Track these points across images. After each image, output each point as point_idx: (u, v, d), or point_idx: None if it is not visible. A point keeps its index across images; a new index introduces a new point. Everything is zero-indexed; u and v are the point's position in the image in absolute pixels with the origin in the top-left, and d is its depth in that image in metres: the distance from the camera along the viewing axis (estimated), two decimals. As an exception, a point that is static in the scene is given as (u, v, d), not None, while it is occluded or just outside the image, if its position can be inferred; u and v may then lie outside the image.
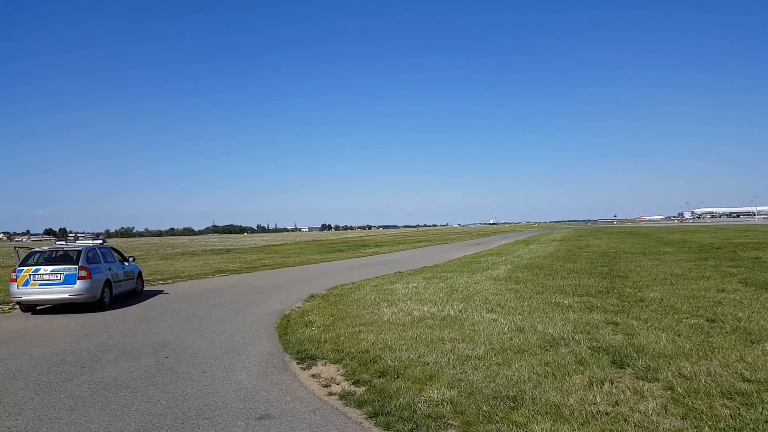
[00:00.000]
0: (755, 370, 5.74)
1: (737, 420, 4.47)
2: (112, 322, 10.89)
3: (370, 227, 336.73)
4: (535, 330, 8.20)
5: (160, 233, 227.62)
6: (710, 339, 7.25)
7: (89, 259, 12.88)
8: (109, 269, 13.60)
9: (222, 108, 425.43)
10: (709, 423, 4.45)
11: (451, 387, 5.63)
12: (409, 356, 6.97)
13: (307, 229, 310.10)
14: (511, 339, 7.70)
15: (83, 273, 12.34)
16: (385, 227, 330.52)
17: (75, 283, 12.20)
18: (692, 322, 8.43)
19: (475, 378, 5.93)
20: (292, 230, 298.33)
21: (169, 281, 19.54)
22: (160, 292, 16.20)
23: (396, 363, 6.66)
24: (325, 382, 6.27)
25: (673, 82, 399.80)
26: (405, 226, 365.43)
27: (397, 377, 6.14)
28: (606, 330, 8.07)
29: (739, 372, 5.72)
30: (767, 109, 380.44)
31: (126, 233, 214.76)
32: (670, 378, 5.62)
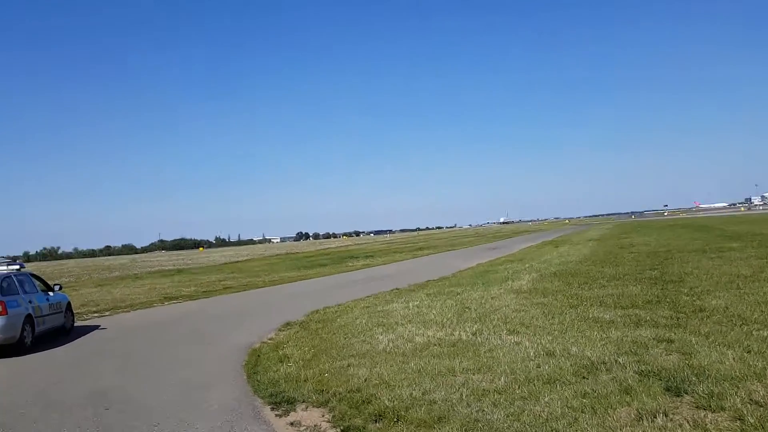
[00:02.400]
0: (844, 391, 5.79)
1: (823, 454, 4.51)
2: (37, 368, 10.85)
3: (358, 234, 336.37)
4: (569, 353, 8.24)
5: (93, 253, 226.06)
6: (788, 354, 7.29)
7: (4, 290, 12.81)
8: (30, 302, 13.53)
9: (167, 99, 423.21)
10: (789, 460, 4.49)
11: (466, 430, 5.64)
12: (412, 393, 6.98)
13: (278, 240, 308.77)
14: (538, 366, 7.73)
15: (-4, 308, 12.30)
16: (377, 233, 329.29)
17: (-14, 322, 12.19)
18: (765, 334, 8.49)
19: (495, 417, 5.95)
20: (261, 242, 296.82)
21: (107, 313, 19.46)
22: (96, 327, 16.14)
23: (395, 403, 6.67)
24: (307, 432, 6.29)
25: (731, 37, 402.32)
26: (402, 231, 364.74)
27: (398, 421, 6.15)
28: (657, 349, 8.11)
29: (824, 394, 5.77)
30: None
31: (50, 255, 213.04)
32: (740, 406, 5.65)
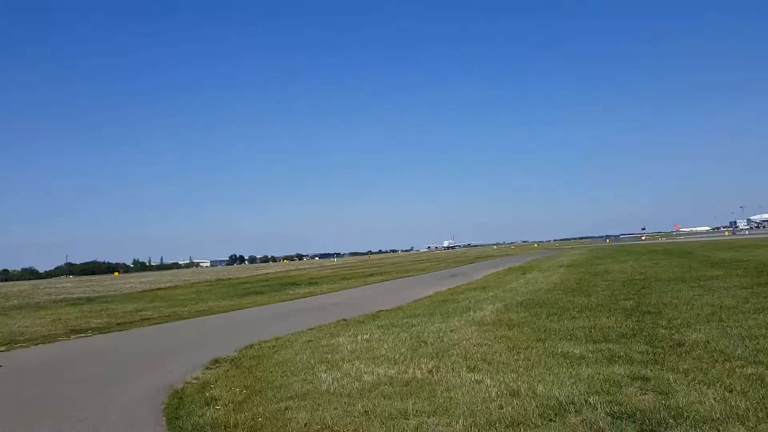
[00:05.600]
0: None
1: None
2: None
3: (301, 257, 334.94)
4: (535, 393, 8.36)
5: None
6: (773, 394, 7.53)
7: None
8: None
9: (74, 103, 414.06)
10: None
11: (418, 481, 5.67)
12: (359, 440, 6.96)
13: (208, 264, 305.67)
14: (501, 407, 7.82)
15: None
16: (322, 256, 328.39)
17: None
18: (749, 371, 8.76)
19: (452, 466, 5.98)
20: (187, 266, 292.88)
21: (2, 349, 18.83)
22: (-12, 365, 15.60)
23: (339, 451, 6.65)
24: (237, 485, 6.22)
25: (716, 49, 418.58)
26: (352, 254, 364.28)
27: (341, 471, 6.13)
28: (632, 388, 8.30)
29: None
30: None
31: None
32: (720, 451, 5.83)
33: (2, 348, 19.07)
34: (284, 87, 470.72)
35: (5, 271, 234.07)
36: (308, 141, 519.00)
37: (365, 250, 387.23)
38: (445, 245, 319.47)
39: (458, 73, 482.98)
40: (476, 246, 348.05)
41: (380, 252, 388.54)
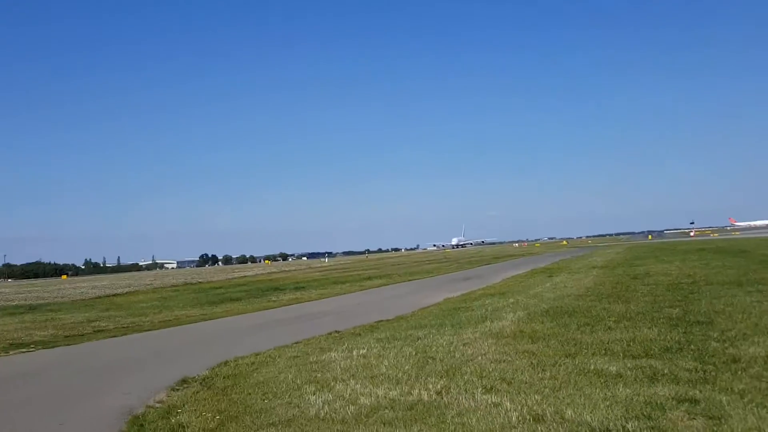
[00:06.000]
0: None
1: None
2: None
3: (285, 257, 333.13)
4: (563, 418, 8.38)
5: None
6: None
7: None
8: None
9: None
10: None
11: None
12: (353, 474, 6.98)
13: (175, 265, 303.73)
14: (523, 436, 7.80)
15: None
16: (311, 256, 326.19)
17: None
18: (817, 393, 8.75)
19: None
20: (149, 267, 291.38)
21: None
22: None
23: (331, 488, 6.67)
24: None
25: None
26: (346, 254, 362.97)
27: None
28: (678, 412, 8.30)
29: None
30: None
31: None
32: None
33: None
34: (269, 57, 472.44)
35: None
36: (294, 121, 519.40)
37: (362, 249, 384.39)
38: (453, 243, 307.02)
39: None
40: (493, 243, 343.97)
41: (380, 251, 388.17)
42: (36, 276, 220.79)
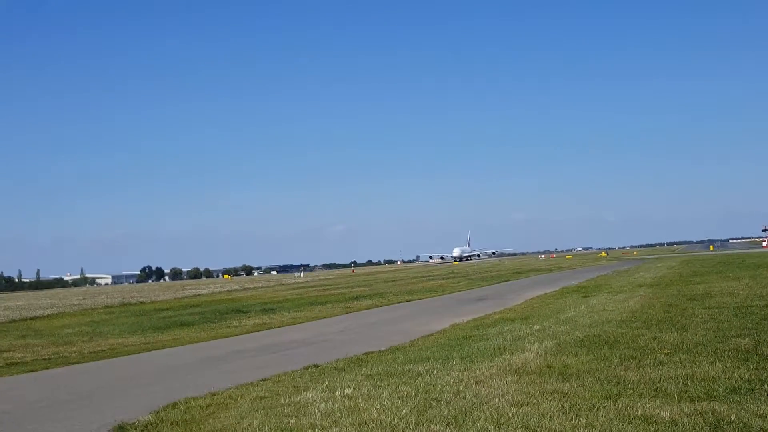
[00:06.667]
0: None
1: None
2: None
3: (249, 271, 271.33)
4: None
5: None
6: None
7: None
8: None
9: None
10: None
11: None
12: None
13: (109, 281, 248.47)
14: None
15: None
16: (282, 269, 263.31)
17: None
18: None
19: None
20: (76, 283, 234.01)
21: None
22: None
23: None
24: None
25: None
26: (326, 266, 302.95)
27: None
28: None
29: None
30: None
31: None
32: None
33: None
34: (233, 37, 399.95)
35: None
36: (261, 101, 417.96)
37: (348, 261, 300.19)
38: (456, 254, 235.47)
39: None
40: (512, 255, 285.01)
41: (370, 263, 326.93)
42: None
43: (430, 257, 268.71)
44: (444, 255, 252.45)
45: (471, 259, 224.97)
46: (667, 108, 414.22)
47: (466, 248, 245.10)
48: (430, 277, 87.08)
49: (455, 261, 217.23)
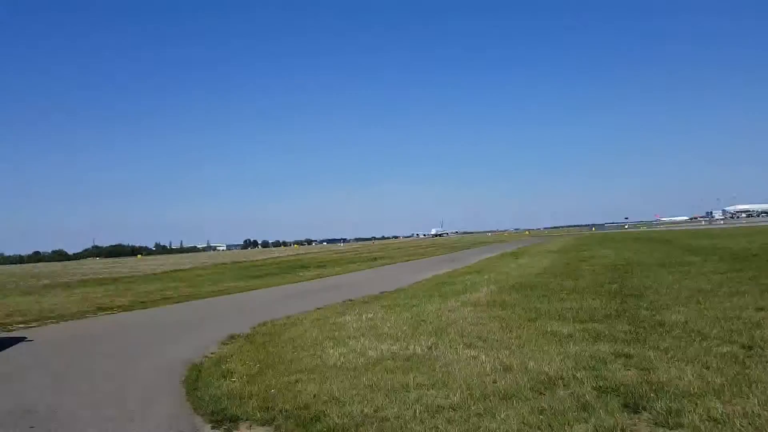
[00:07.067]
0: (801, 408, 6.01)
1: (778, 471, 4.67)
2: (-47, 384, 10.41)
3: (310, 242, 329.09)
4: (526, 368, 8.39)
5: (20, 259, 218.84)
6: (747, 371, 7.58)
7: None
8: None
9: (101, 97, 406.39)
10: (745, 477, 4.64)
11: (418, 448, 5.66)
12: (363, 410, 7.01)
13: (224, 248, 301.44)
14: (495, 381, 7.86)
15: None
16: (329, 241, 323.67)
17: None
18: (724, 350, 8.79)
19: (450, 435, 5.97)
20: (205, 249, 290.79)
21: (34, 324, 18.84)
22: (22, 339, 15.57)
23: (346, 420, 6.69)
24: (251, 451, 6.21)
25: (696, 57, 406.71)
26: (357, 240, 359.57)
27: (348, 439, 6.13)
28: (616, 364, 8.34)
29: (781, 411, 5.97)
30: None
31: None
32: (697, 423, 5.86)
33: (34, 323, 19.09)
34: (298, 84, 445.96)
35: (36, 253, 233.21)
36: (316, 138, 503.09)
37: (369, 236, 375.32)
38: (432, 233, 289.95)
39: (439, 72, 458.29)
40: (471, 233, 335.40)
41: (383, 238, 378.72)
42: (118, 255, 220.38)
43: (418, 234, 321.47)
44: (426, 233, 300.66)
45: (443, 236, 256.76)
46: (558, 141, 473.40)
47: (440, 229, 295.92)
48: (420, 247, 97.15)
49: (434, 237, 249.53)
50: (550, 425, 6.04)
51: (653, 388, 7.04)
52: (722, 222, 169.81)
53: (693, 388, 6.93)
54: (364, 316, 14.79)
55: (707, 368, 7.81)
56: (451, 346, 10.31)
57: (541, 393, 7.22)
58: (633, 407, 6.47)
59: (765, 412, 6.02)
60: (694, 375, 7.48)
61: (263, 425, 7.02)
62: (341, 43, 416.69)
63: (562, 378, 7.76)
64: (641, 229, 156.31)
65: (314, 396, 7.84)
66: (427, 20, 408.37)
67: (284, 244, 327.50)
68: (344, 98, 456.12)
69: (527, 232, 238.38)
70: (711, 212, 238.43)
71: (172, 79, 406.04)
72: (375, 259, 59.37)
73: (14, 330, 17.61)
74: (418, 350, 10.19)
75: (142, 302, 24.98)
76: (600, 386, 7.27)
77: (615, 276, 21.63)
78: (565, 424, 6.05)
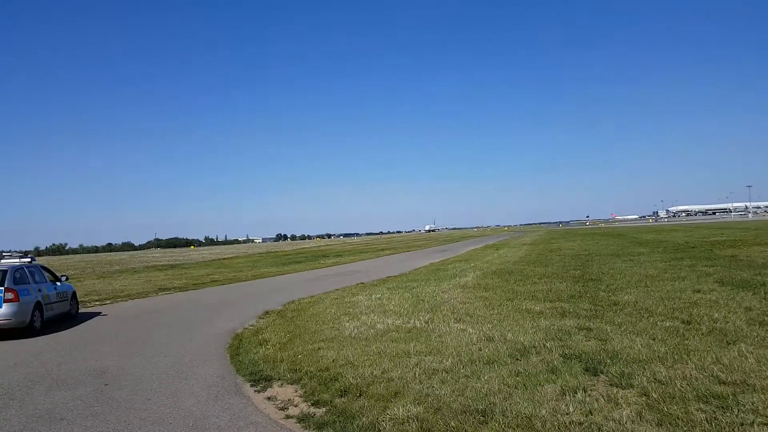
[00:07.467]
0: (731, 372, 6.01)
1: (713, 424, 4.67)
2: (44, 349, 10.54)
3: (329, 236, 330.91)
4: (505, 339, 8.37)
5: (96, 249, 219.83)
6: (686, 341, 7.55)
7: (16, 280, 12.41)
8: (40, 290, 13.14)
9: (159, 112, 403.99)
10: (685, 428, 4.64)
11: (418, 403, 5.69)
12: (373, 372, 7.01)
13: (260, 240, 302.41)
14: (480, 349, 7.83)
15: (10, 295, 11.88)
16: (345, 235, 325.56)
17: (1, 307, 11.75)
18: (667, 324, 8.76)
19: (443, 392, 6.00)
20: (244, 242, 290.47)
21: (107, 302, 19.00)
22: (98, 314, 15.75)
23: (358, 380, 6.69)
24: (282, 405, 6.24)
25: (644, 78, 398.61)
26: (368, 234, 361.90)
27: (360, 395, 6.17)
28: (579, 336, 8.31)
29: (714, 374, 5.98)
30: (738, 107, 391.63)
31: (58, 250, 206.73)
32: (645, 384, 5.82)
33: (108, 301, 19.25)
34: (328, 92, 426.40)
35: (109, 244, 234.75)
36: (336, 142, 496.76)
37: (378, 231, 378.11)
38: (426, 229, 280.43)
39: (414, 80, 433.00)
40: (460, 228, 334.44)
41: (389, 233, 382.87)
42: (174, 246, 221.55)
43: (414, 230, 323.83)
44: (422, 229, 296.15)
45: (436, 231, 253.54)
46: (536, 149, 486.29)
47: (432, 225, 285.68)
48: (419, 240, 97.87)
49: (428, 232, 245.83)
50: (524, 385, 6.03)
51: (609, 355, 7.00)
52: (666, 220, 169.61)
53: (642, 356, 6.90)
54: (373, 296, 14.82)
55: (653, 339, 7.78)
56: (444, 321, 10.31)
57: (517, 359, 7.20)
58: (593, 371, 6.44)
59: (701, 375, 5.99)
60: (643, 345, 7.44)
61: (292, 384, 7.04)
62: (338, 46, 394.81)
63: (534, 347, 7.73)
64: (600, 225, 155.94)
65: (333, 360, 7.83)
66: (425, 27, 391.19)
67: (309, 237, 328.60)
68: (364, 110, 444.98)
69: (506, 228, 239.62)
70: (657, 212, 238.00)
71: (229, 80, 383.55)
72: (382, 249, 59.64)
73: (91, 306, 17.76)
74: (418, 324, 10.19)
75: (194, 284, 25.18)
76: (566, 354, 7.24)
77: (578, 264, 21.59)
78: (537, 384, 6.04)
